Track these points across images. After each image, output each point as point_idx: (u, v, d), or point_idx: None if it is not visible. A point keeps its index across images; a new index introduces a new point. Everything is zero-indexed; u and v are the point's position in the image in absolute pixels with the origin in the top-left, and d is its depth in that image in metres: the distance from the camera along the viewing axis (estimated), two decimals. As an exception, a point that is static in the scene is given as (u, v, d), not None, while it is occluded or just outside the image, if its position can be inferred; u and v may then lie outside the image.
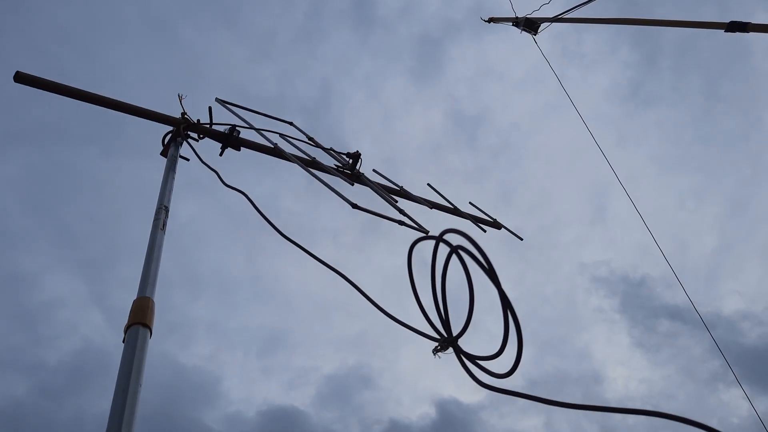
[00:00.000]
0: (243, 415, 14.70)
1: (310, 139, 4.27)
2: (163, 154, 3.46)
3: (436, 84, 18.52)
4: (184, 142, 3.53)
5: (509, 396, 2.01)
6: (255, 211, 2.95)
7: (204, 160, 3.45)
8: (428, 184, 4.34)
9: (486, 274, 1.98)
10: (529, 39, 8.25)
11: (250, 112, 4.15)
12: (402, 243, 2.57)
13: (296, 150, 3.91)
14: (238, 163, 3.82)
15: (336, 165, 4.08)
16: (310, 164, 3.85)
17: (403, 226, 3.30)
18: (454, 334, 2.20)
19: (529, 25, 8.15)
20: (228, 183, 3.26)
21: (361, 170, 4.09)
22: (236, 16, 17.32)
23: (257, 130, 3.85)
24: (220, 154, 3.70)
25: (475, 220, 4.31)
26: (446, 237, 2.23)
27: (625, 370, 17.28)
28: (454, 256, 2.20)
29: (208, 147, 3.73)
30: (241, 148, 3.78)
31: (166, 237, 2.71)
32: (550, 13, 7.78)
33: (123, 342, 2.04)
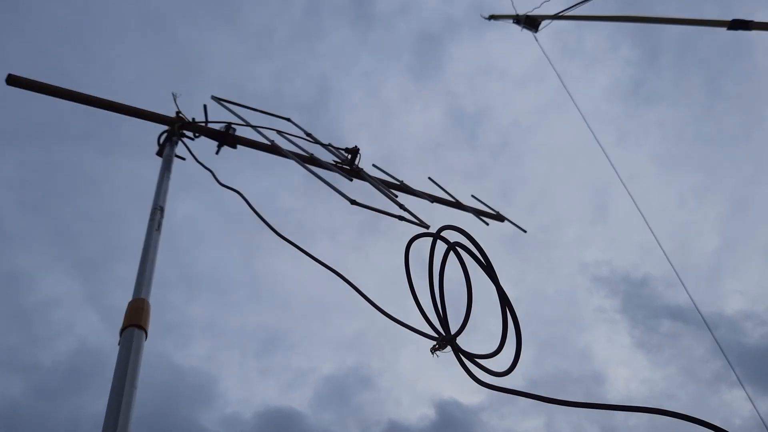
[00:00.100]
0: (240, 416, 14.67)
1: (308, 135, 4.22)
2: (159, 154, 3.42)
3: (435, 81, 18.50)
4: (180, 142, 3.49)
5: (509, 396, 1.97)
6: (251, 210, 2.91)
7: (199, 160, 3.42)
8: (429, 178, 4.29)
9: (484, 271, 1.95)
10: (530, 36, 8.23)
11: (247, 110, 4.11)
12: (401, 241, 2.53)
13: (294, 146, 3.87)
14: (236, 162, 3.78)
15: (334, 161, 4.04)
16: (307, 160, 3.80)
17: (403, 222, 3.24)
18: (453, 332, 2.17)
19: (530, 22, 8.12)
20: (224, 182, 3.22)
21: (360, 165, 4.04)
22: (234, 13, 17.28)
23: (253, 127, 3.81)
24: (217, 153, 3.66)
25: (478, 213, 4.24)
26: (444, 234, 2.20)
27: (627, 371, 17.27)
28: (452, 253, 2.17)
29: (205, 145, 3.70)
30: (238, 146, 3.74)
31: (162, 237, 2.68)
32: (551, 11, 7.76)
33: (119, 345, 2.02)
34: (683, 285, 5.50)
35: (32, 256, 14.31)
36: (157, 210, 2.79)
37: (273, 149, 3.75)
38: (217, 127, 3.71)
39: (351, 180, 3.55)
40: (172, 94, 3.57)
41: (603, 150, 6.87)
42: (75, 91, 3.30)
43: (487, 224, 4.24)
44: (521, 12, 8.20)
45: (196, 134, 3.64)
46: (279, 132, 3.96)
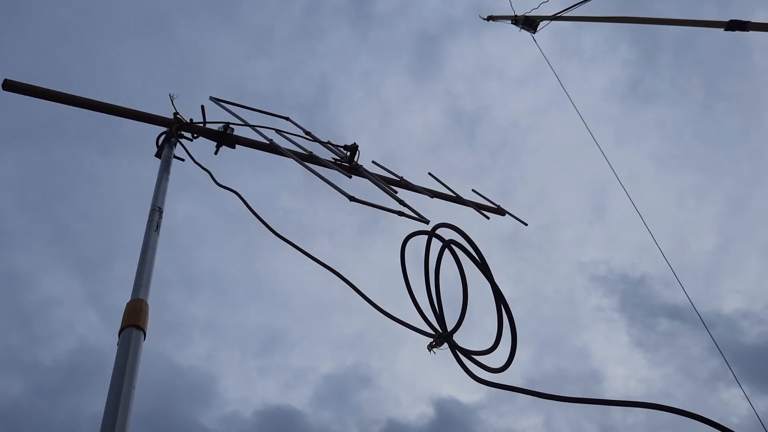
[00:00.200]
0: (240, 415, 14.68)
1: (307, 133, 4.22)
2: (158, 155, 3.43)
3: (434, 81, 18.50)
4: (178, 143, 3.50)
5: (508, 395, 2.00)
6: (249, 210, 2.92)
7: (197, 160, 3.43)
8: (429, 173, 4.27)
9: (478, 268, 1.96)
10: (528, 36, 8.24)
11: (246, 110, 4.12)
12: (401, 239, 2.54)
13: (292, 145, 3.88)
14: (235, 162, 3.79)
15: (334, 158, 4.04)
16: (306, 158, 3.81)
17: (402, 220, 3.24)
18: (449, 329, 2.18)
19: (528, 23, 8.14)
20: (223, 182, 3.24)
21: (359, 162, 4.04)
22: (234, 13, 17.29)
23: (252, 126, 3.82)
24: (215, 153, 3.67)
25: (479, 208, 4.22)
26: (440, 231, 2.21)
27: (625, 369, 17.29)
28: (447, 251, 2.18)
29: (205, 146, 3.71)
30: (237, 146, 3.75)
31: (161, 236, 2.70)
32: (549, 12, 7.77)
33: (117, 345, 2.03)
34: (680, 284, 5.52)
35: (32, 255, 14.32)
36: (156, 211, 2.80)
37: (272, 148, 3.76)
38: (215, 127, 3.72)
39: (350, 177, 3.54)
40: (170, 96, 3.59)
41: (601, 150, 6.88)
42: (72, 95, 3.32)
43: (488, 218, 4.21)
44: (519, 13, 8.22)
45: (195, 135, 3.65)
46: (278, 131, 3.97)
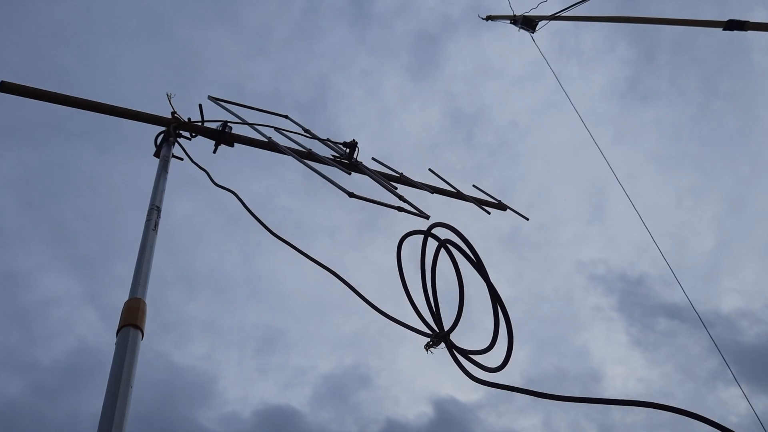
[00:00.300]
0: (239, 414, 14.66)
1: (306, 131, 4.21)
2: (156, 154, 3.43)
3: (433, 81, 18.49)
4: (176, 142, 3.50)
5: (507, 394, 2.00)
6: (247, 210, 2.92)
7: (195, 160, 3.43)
8: (429, 169, 4.26)
9: (474, 268, 1.96)
10: (527, 36, 8.24)
11: (245, 108, 4.12)
12: (400, 236, 2.53)
13: (291, 143, 3.87)
14: (234, 161, 3.79)
15: (333, 155, 4.03)
16: (305, 156, 3.80)
17: (402, 218, 3.23)
18: (446, 328, 2.18)
19: (527, 23, 8.14)
20: (222, 181, 3.24)
21: (358, 159, 4.02)
22: (232, 12, 17.27)
23: (250, 124, 3.82)
24: (214, 151, 3.67)
25: (479, 203, 4.20)
26: (437, 231, 2.21)
27: (624, 369, 17.29)
28: (443, 251, 2.18)
29: (203, 145, 3.71)
30: (235, 144, 3.75)
31: (160, 235, 2.69)
32: (548, 11, 7.77)
33: (115, 344, 2.03)
34: (679, 284, 5.53)
35: (31, 255, 14.30)
36: (154, 210, 2.80)
37: (270, 146, 3.75)
38: (213, 126, 3.72)
39: (349, 174, 3.53)
40: (167, 95, 3.59)
41: (600, 149, 6.89)
42: (70, 96, 3.32)
43: (489, 213, 4.19)
44: (518, 12, 8.22)
45: (193, 134, 3.65)
46: (276, 129, 3.97)
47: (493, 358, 1.98)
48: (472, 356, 2.07)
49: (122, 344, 1.98)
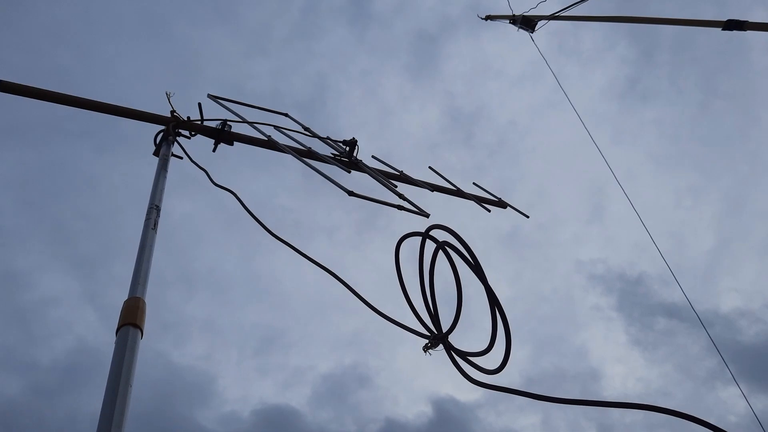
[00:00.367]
0: (238, 414, 14.67)
1: (306, 128, 4.21)
2: (156, 153, 3.42)
3: (432, 81, 18.50)
4: (176, 141, 3.50)
5: (505, 393, 1.99)
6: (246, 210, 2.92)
7: (195, 159, 3.42)
8: (430, 167, 4.25)
9: (472, 270, 1.96)
10: (527, 35, 8.24)
11: (245, 106, 4.11)
12: (399, 236, 2.53)
13: (291, 141, 3.87)
14: (234, 159, 3.79)
15: (333, 153, 4.02)
16: (305, 154, 3.79)
17: (402, 217, 3.22)
18: (444, 330, 2.18)
19: (526, 23, 8.14)
20: (222, 181, 3.23)
21: (358, 157, 4.01)
22: (232, 12, 17.26)
23: (250, 123, 3.81)
24: (213, 150, 3.66)
25: (479, 201, 4.18)
26: (435, 233, 2.21)
27: (623, 368, 17.32)
28: (441, 252, 2.18)
29: (203, 144, 3.71)
30: (235, 143, 3.74)
31: (159, 235, 2.69)
32: (547, 11, 7.77)
33: (114, 343, 2.03)
34: (678, 283, 5.53)
35: (30, 254, 14.30)
36: (153, 209, 2.79)
37: (270, 144, 3.74)
38: (212, 124, 3.71)
39: (349, 172, 3.51)
40: (166, 94, 3.58)
41: (599, 149, 6.89)
42: (69, 95, 3.32)
43: (489, 211, 4.17)
44: (518, 12, 8.22)
45: (192, 133, 3.64)
46: (276, 127, 3.96)
47: (492, 360, 1.98)
48: (470, 358, 2.07)
49: (122, 343, 1.98)
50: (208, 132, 3.69)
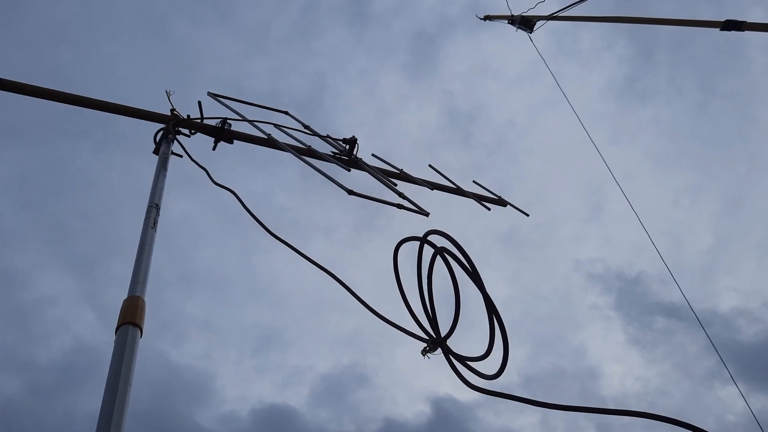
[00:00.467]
0: (237, 414, 14.66)
1: (306, 127, 4.20)
2: (156, 152, 3.42)
3: (431, 81, 18.50)
4: (176, 139, 3.50)
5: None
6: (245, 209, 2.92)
7: (195, 158, 3.42)
8: (430, 165, 4.24)
9: (469, 277, 1.97)
10: (525, 35, 8.25)
11: (244, 105, 4.12)
12: (399, 236, 2.53)
13: (291, 140, 3.87)
14: (234, 158, 3.79)
15: (332, 152, 4.02)
16: (305, 153, 3.78)
17: (401, 216, 3.22)
18: (443, 334, 2.18)
19: (525, 23, 8.15)
20: (221, 179, 3.23)
21: (358, 156, 4.00)
22: (230, 11, 17.25)
23: (249, 121, 3.82)
24: (213, 148, 3.66)
25: (479, 199, 4.18)
26: (430, 238, 2.21)
27: (621, 368, 17.33)
28: (439, 258, 2.18)
29: (203, 142, 3.71)
30: (235, 141, 3.74)
31: (158, 234, 2.69)
32: (546, 11, 7.78)
33: (114, 342, 2.03)
34: (676, 282, 5.54)
35: (28, 254, 14.28)
36: (153, 208, 2.79)
37: (270, 143, 3.74)
38: (212, 123, 3.71)
39: (349, 170, 3.51)
40: (166, 92, 3.59)
41: (597, 149, 6.90)
42: (68, 93, 3.31)
43: (489, 209, 4.17)
44: (516, 12, 8.23)
45: (192, 131, 3.65)
46: (276, 125, 3.97)
47: (490, 364, 1.99)
48: (468, 363, 2.08)
49: (121, 342, 1.98)
50: (208, 130, 3.68)
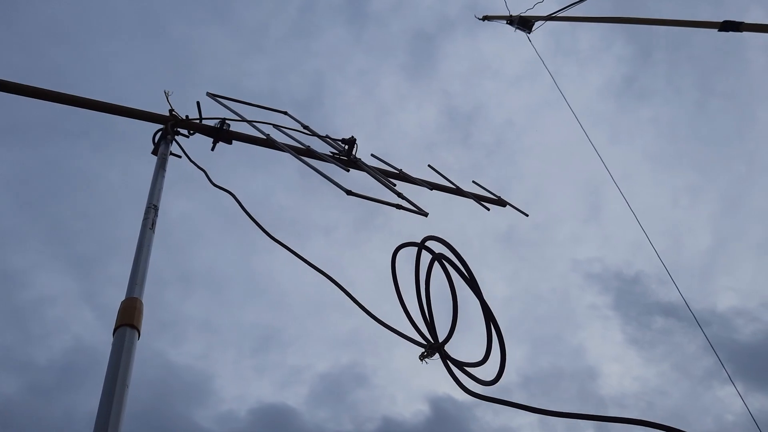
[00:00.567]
0: (235, 413, 14.66)
1: (305, 127, 4.20)
2: (154, 152, 3.42)
3: (429, 80, 18.50)
4: (174, 140, 3.49)
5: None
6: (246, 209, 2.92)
7: (193, 159, 3.41)
8: (429, 165, 4.23)
9: (467, 284, 1.97)
10: (524, 35, 8.26)
11: (243, 105, 4.11)
12: (398, 237, 2.53)
13: (290, 140, 3.86)
14: (233, 158, 3.79)
15: (331, 152, 4.01)
16: (303, 153, 3.77)
17: (400, 216, 3.21)
18: (441, 339, 2.18)
19: (524, 23, 8.16)
20: (220, 180, 3.22)
21: (357, 156, 3.99)
22: (229, 10, 17.25)
23: (248, 121, 3.81)
24: (212, 149, 3.66)
25: (479, 199, 4.17)
26: (428, 244, 2.21)
27: (620, 367, 17.34)
28: (436, 263, 2.18)
29: (201, 142, 3.70)
30: (233, 142, 3.74)
31: (157, 234, 2.69)
32: (544, 12, 7.79)
33: (111, 344, 2.03)
34: (674, 282, 5.55)
35: (27, 254, 14.26)
36: (151, 209, 2.79)
37: (269, 143, 3.74)
38: (211, 123, 3.71)
39: (348, 171, 3.50)
40: (164, 93, 3.58)
41: (595, 149, 6.91)
42: (66, 94, 3.31)
43: (488, 209, 4.16)
44: (515, 13, 8.24)
45: (191, 132, 3.64)
46: (275, 126, 3.96)
47: (488, 369, 2.00)
48: (466, 368, 2.08)
49: (118, 344, 1.97)
50: (206, 131, 3.68)
